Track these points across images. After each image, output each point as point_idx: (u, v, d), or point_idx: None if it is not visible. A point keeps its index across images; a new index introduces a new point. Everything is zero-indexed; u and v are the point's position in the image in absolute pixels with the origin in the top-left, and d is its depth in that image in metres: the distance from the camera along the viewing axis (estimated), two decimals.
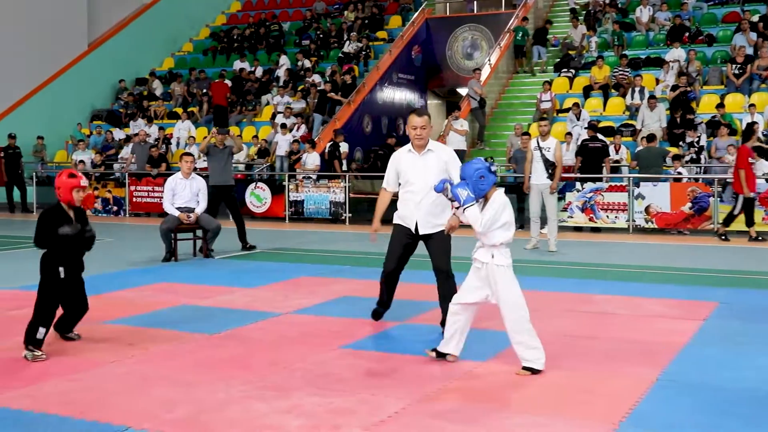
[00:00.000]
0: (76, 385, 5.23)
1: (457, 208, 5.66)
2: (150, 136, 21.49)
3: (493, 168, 5.56)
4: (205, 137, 13.76)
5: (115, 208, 20.04)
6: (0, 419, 4.56)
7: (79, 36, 26.15)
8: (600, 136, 16.66)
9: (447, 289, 6.60)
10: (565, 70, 21.87)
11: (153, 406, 4.79)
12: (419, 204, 6.65)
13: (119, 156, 22.22)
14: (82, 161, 21.52)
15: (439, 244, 6.69)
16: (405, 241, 6.77)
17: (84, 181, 6.19)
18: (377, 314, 7.17)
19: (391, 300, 7.09)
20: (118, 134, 23.52)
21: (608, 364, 5.74)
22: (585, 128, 17.45)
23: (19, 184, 21.42)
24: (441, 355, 5.82)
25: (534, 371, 5.47)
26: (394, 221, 6.90)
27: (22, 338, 6.00)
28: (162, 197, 12.08)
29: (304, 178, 18.27)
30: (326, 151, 19.26)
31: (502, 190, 5.73)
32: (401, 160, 6.73)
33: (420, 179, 6.56)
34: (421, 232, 6.73)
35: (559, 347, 6.22)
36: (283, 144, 19.82)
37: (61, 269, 6.09)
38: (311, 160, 18.54)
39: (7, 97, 23.87)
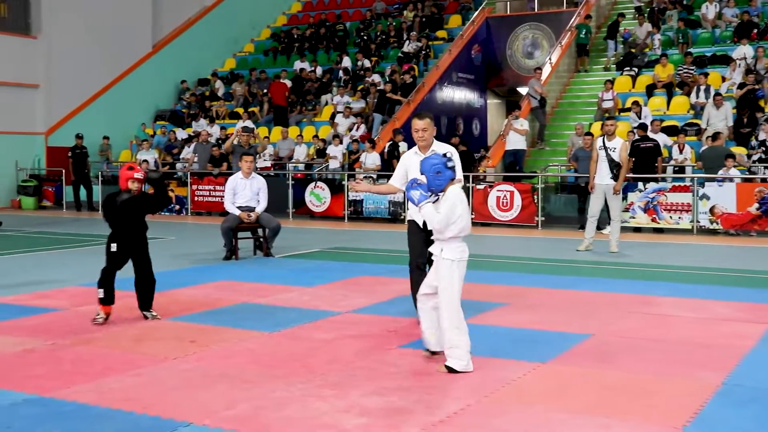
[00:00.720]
0: (139, 380, 5.32)
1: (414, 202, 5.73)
2: (212, 136, 21.79)
3: (450, 164, 5.62)
4: (227, 137, 13.84)
5: (177, 207, 20.37)
6: (69, 412, 4.66)
7: (143, 38, 26.65)
8: (651, 135, 16.37)
9: None
10: (628, 68, 21.54)
11: (213, 402, 4.84)
12: None
13: (181, 156, 22.58)
14: (145, 161, 21.93)
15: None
16: (419, 234, 6.88)
17: (139, 174, 7.23)
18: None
19: None
20: (181, 134, 23.89)
21: (671, 367, 5.63)
22: (635, 128, 17.12)
23: (85, 183, 21.91)
24: (435, 353, 5.86)
25: (453, 371, 5.45)
26: (407, 218, 7.15)
27: (78, 335, 6.12)
28: (223, 196, 12.23)
29: (364, 177, 18.33)
30: (385, 150, 19.28)
31: (458, 185, 5.84)
32: (410, 160, 6.92)
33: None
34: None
35: (621, 349, 6.13)
36: (337, 155, 19.79)
37: (113, 245, 7.19)
38: (371, 159, 18.59)
39: (75, 99, 24.43)
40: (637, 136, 16.37)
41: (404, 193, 6.09)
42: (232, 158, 12.78)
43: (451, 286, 5.55)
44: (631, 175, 15.74)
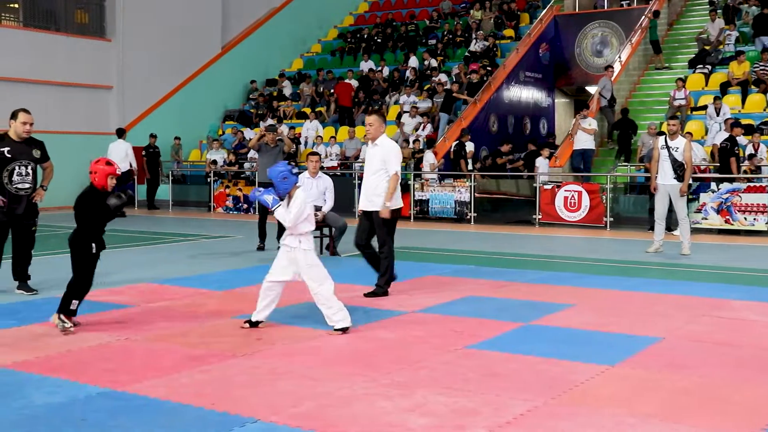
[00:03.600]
0: (208, 376, 5.41)
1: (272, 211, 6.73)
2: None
3: (294, 170, 6.68)
4: (294, 137, 13.87)
5: (245, 206, 20.64)
6: (140, 406, 4.77)
7: (213, 40, 27.08)
8: (726, 134, 15.98)
9: (385, 251, 8.44)
10: (701, 66, 21.06)
11: (280, 399, 4.89)
12: (363, 186, 8.53)
13: (249, 155, 22.87)
14: (215, 161, 22.30)
15: (377, 219, 8.36)
16: (364, 222, 8.54)
17: (118, 170, 7.18)
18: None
19: (379, 265, 8.51)
20: (249, 134, 24.19)
21: (745, 372, 5.48)
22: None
23: (155, 182, 22.42)
24: (254, 324, 6.82)
25: (345, 330, 6.60)
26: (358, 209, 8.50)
27: (149, 331, 6.24)
28: None
29: (429, 178, 18.34)
30: (452, 150, 19.23)
31: (301, 188, 6.78)
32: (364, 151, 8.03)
33: (366, 166, 8.50)
34: (361, 208, 8.57)
35: (692, 353, 6.00)
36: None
37: (93, 245, 6.89)
38: (427, 158, 18.63)
39: (147, 100, 24.96)
40: (724, 134, 15.98)
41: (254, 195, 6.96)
42: (258, 157, 12.90)
43: (317, 267, 6.68)
44: (704, 175, 15.42)
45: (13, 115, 8.40)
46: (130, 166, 20.37)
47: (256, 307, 6.86)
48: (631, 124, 19.59)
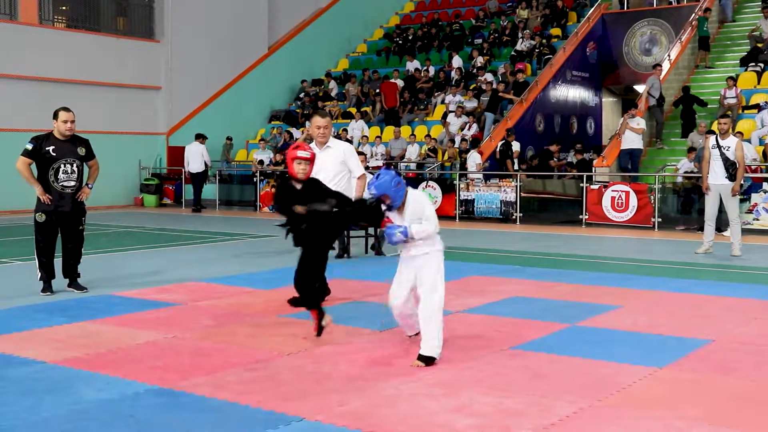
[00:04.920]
0: (254, 374, 5.45)
1: (405, 240, 5.76)
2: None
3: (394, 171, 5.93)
4: (338, 136, 13.82)
5: None
6: (187, 404, 4.82)
7: (259, 40, 27.28)
8: None
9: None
10: (753, 64, 20.66)
11: (325, 398, 4.91)
12: None
13: None
14: (261, 161, 22.46)
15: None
16: None
17: (304, 153, 6.28)
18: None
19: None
20: (296, 134, 24.35)
21: None
22: None
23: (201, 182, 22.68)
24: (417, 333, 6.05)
25: (430, 361, 5.63)
26: None
27: (196, 329, 6.27)
28: None
29: (475, 178, 18.27)
30: (498, 150, 19.14)
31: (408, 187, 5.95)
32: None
33: (321, 171, 7.43)
34: None
35: (743, 356, 5.89)
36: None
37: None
38: (473, 158, 18.56)
39: (194, 100, 25.25)
40: None
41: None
42: None
43: (440, 272, 5.83)
44: (756, 175, 15.14)
45: (55, 115, 8.55)
46: (205, 165, 21.67)
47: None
48: (694, 99, 19.68)
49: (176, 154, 24.07)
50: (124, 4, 24.28)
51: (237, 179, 24.06)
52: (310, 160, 6.29)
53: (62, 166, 8.50)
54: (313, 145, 7.69)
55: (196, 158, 21.49)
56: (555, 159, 19.94)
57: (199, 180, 21.59)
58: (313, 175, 6.61)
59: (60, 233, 8.67)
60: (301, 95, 27.03)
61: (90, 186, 8.80)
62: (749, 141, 17.12)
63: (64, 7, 23.19)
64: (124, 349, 6.17)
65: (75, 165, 8.59)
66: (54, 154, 8.45)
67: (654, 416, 4.57)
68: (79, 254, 8.81)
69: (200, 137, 21.84)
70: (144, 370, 5.53)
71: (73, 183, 8.58)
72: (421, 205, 5.83)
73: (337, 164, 7.95)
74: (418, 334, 6.01)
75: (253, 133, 26.27)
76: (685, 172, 16.85)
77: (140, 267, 10.71)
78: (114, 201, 22.76)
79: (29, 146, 8.44)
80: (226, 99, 26.06)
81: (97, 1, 23.64)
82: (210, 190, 22.91)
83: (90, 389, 5.10)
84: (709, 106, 20.50)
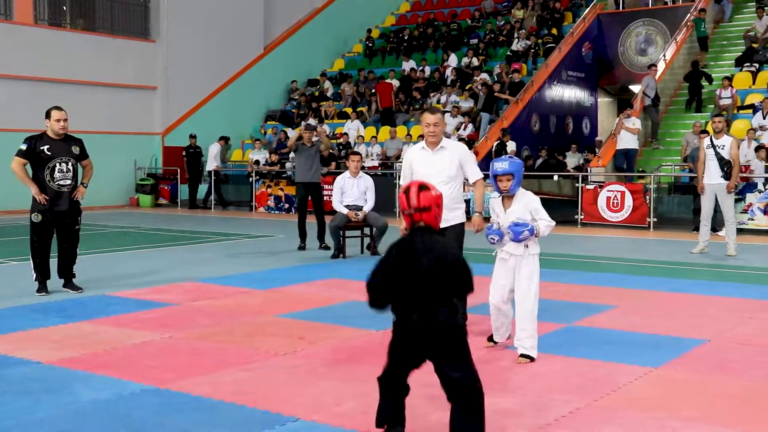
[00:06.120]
0: (250, 375, 5.44)
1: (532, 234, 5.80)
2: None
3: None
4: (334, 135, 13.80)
5: (286, 205, 20.75)
6: (183, 404, 4.82)
7: (255, 40, 27.26)
8: None
9: None
10: (748, 64, 20.71)
11: (321, 398, 4.91)
12: None
13: (291, 155, 22.97)
14: (257, 161, 22.46)
15: (453, 237, 6.64)
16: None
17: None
18: None
19: None
20: (291, 134, 24.32)
21: None
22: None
23: (196, 182, 22.72)
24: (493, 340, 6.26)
25: (532, 359, 5.75)
26: None
27: (192, 330, 6.28)
28: (331, 195, 12.40)
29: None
30: (493, 150, 19.13)
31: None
32: (414, 155, 6.75)
33: (434, 176, 6.36)
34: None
35: (739, 356, 5.90)
36: None
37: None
38: None
39: (190, 100, 25.21)
40: None
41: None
42: (296, 156, 12.90)
43: (537, 275, 5.88)
44: (750, 174, 15.15)
45: (47, 114, 8.54)
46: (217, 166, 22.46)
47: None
48: (702, 74, 20.36)
49: (172, 154, 24.05)
50: (121, 5, 24.24)
51: (232, 179, 24.05)
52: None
53: (57, 165, 8.48)
54: (421, 145, 6.75)
55: (211, 158, 22.42)
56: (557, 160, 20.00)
57: (215, 179, 22.32)
58: (423, 179, 4.60)
59: (56, 233, 8.66)
60: (295, 95, 27.01)
61: (85, 185, 8.79)
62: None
63: (59, 7, 23.15)
64: (120, 349, 6.16)
65: (70, 164, 8.58)
66: (49, 154, 8.44)
67: (650, 416, 4.57)
68: (75, 254, 8.80)
69: (222, 139, 23.05)
70: (140, 370, 5.52)
71: (69, 182, 8.57)
72: (534, 202, 5.89)
73: (453, 169, 6.67)
74: (507, 338, 6.12)
75: (248, 134, 26.25)
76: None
77: (136, 267, 10.69)
78: (109, 201, 22.73)
79: (23, 146, 8.43)
80: (221, 99, 26.04)
81: (93, 1, 23.62)
82: (206, 190, 22.89)
83: (87, 389, 5.10)
84: (704, 107, 20.53)
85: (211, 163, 22.30)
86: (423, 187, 4.11)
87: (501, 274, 6.00)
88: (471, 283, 4.08)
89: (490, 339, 6.28)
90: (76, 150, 8.66)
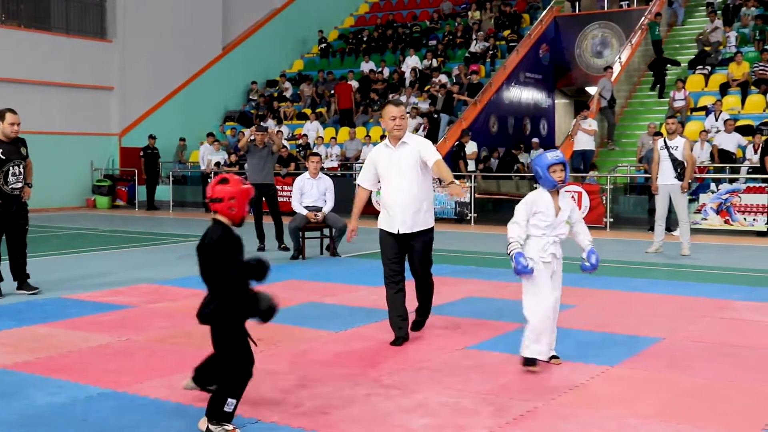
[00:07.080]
0: None
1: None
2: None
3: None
4: (234, 136, 13.80)
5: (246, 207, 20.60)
6: (142, 406, 4.77)
7: (214, 40, 27.10)
8: (726, 135, 16.08)
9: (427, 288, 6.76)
10: (701, 66, 21.06)
11: (281, 400, 4.90)
12: (397, 198, 6.37)
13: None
14: (217, 162, 22.29)
15: (420, 248, 6.60)
16: (392, 243, 6.53)
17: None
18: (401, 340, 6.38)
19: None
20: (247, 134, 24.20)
21: (746, 373, 5.48)
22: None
23: (153, 183, 22.52)
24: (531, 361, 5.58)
25: (531, 363, 5.54)
26: (379, 225, 6.62)
27: (150, 332, 6.23)
28: (291, 196, 12.37)
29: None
30: (452, 151, 19.23)
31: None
32: (379, 155, 6.38)
33: (396, 176, 6.26)
34: (401, 232, 6.45)
35: (693, 354, 6.00)
36: None
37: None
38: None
39: (147, 100, 24.98)
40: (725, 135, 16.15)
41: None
42: (248, 157, 12.86)
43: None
44: (703, 175, 15.42)
45: (1, 116, 8.39)
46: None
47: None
48: (667, 60, 21.28)
49: (129, 155, 23.81)
50: (76, 4, 23.91)
51: (190, 180, 23.85)
52: None
53: (11, 168, 8.36)
54: (384, 143, 6.38)
55: (202, 158, 22.59)
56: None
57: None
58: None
59: (5, 236, 8.52)
60: (254, 96, 26.88)
61: (30, 185, 8.71)
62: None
63: (14, 6, 22.77)
64: (76, 352, 6.08)
65: (21, 166, 8.48)
66: (3, 157, 8.31)
67: (607, 414, 4.63)
68: (25, 255, 8.68)
69: (208, 136, 23.25)
70: (97, 374, 5.46)
71: (20, 184, 8.48)
72: (572, 201, 5.75)
73: (413, 162, 6.23)
74: (550, 359, 5.67)
75: (206, 134, 26.06)
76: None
77: (92, 269, 10.56)
78: (65, 202, 22.41)
79: None
80: (180, 99, 25.84)
81: (48, 0, 23.27)
82: (163, 191, 22.69)
83: (42, 393, 5.02)
84: (658, 108, 20.82)
85: (203, 163, 22.46)
86: (223, 180, 4.47)
87: (545, 281, 5.63)
88: (229, 270, 4.43)
89: (554, 357, 5.71)
90: (24, 151, 8.56)
